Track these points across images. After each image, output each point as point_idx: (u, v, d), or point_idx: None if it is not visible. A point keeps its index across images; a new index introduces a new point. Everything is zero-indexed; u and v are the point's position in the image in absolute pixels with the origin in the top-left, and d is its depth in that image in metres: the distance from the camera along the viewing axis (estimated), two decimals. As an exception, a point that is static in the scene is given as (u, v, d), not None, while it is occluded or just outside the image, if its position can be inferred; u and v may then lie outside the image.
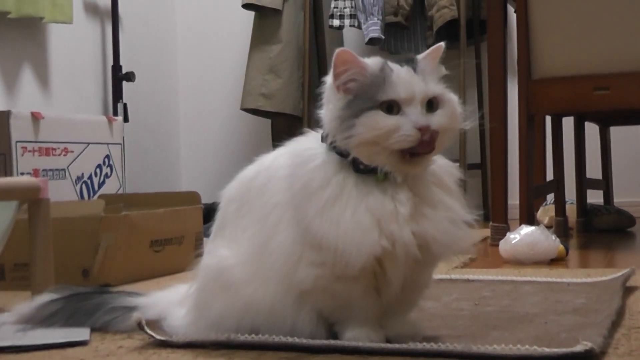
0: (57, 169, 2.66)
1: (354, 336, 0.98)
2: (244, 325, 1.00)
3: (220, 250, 1.03)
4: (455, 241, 0.96)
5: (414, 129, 0.93)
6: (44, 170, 2.59)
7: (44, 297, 1.21)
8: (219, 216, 1.07)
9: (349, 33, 3.80)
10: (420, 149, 0.93)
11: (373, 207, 0.93)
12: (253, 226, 1.01)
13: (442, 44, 0.98)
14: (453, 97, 0.98)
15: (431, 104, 0.95)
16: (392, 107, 0.94)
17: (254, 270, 0.99)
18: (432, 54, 0.98)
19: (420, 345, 0.96)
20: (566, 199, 2.73)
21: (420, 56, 0.98)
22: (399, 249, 0.93)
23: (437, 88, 0.96)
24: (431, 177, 0.98)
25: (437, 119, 0.95)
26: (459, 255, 1.02)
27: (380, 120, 0.93)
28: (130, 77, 3.44)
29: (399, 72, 0.95)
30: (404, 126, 0.93)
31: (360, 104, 0.94)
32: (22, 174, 2.49)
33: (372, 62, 0.97)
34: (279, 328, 0.98)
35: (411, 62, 0.97)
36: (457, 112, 0.97)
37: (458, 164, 3.38)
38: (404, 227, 0.93)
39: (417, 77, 0.95)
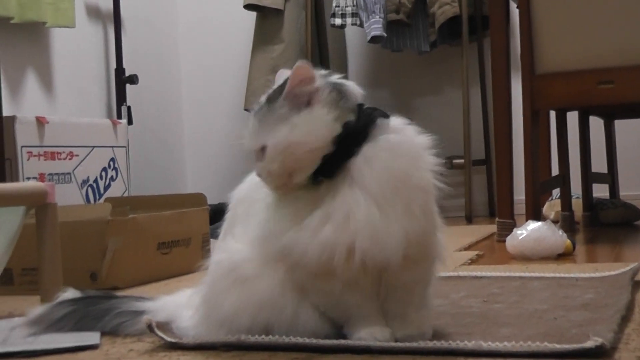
0: (62, 173, 2.67)
1: (360, 337, 0.98)
2: (259, 321, 0.99)
3: (232, 245, 1.03)
4: (380, 245, 0.92)
5: None
6: (49, 174, 2.60)
7: (53, 301, 1.21)
8: (228, 216, 1.08)
9: (351, 32, 3.80)
10: None
11: (287, 213, 0.96)
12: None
13: (299, 63, 0.96)
14: (274, 139, 0.96)
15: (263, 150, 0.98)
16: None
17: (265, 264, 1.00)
18: (291, 81, 0.96)
19: (430, 344, 0.96)
20: (572, 194, 2.73)
21: (282, 86, 0.98)
22: (311, 255, 0.93)
23: (258, 140, 0.98)
24: (379, 185, 0.94)
25: (260, 167, 0.99)
26: (385, 262, 0.94)
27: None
28: (133, 79, 3.45)
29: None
30: None
31: None
32: (28, 178, 2.50)
33: None
34: (288, 323, 0.98)
35: (261, 106, 0.99)
36: (273, 154, 0.96)
37: (463, 161, 3.35)
38: (311, 234, 0.93)
39: (251, 130, 0.99)
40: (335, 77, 1.00)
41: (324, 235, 0.93)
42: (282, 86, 0.98)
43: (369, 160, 0.95)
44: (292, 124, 0.96)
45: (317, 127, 0.96)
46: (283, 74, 1.04)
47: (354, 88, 1.00)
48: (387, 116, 0.99)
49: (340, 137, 0.96)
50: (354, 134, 0.96)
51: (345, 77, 1.02)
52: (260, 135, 0.98)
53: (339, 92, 0.98)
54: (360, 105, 0.99)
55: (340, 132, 0.96)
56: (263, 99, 1.01)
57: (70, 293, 1.23)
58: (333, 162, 0.96)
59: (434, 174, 0.98)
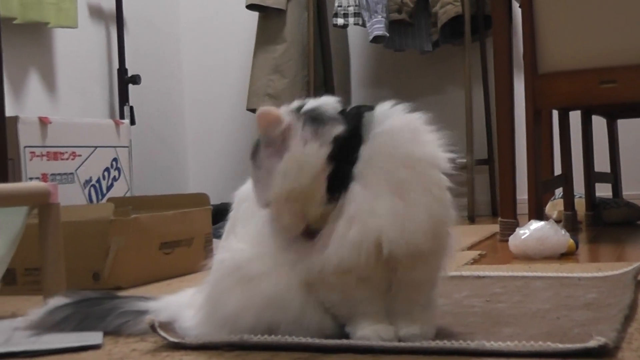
0: (65, 173, 2.67)
1: (364, 335, 0.98)
2: (264, 321, 0.99)
3: (235, 244, 1.03)
4: (405, 234, 0.92)
5: None
6: (52, 174, 2.60)
7: (55, 302, 1.21)
8: (231, 216, 1.08)
9: (353, 31, 3.80)
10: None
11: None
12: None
13: (260, 109, 0.95)
14: (272, 196, 0.96)
15: None
16: None
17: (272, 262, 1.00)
18: (259, 128, 0.96)
19: (433, 343, 0.96)
20: (575, 193, 2.73)
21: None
22: (347, 262, 0.93)
23: (261, 200, 0.98)
24: (391, 175, 0.94)
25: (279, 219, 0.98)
26: (414, 249, 0.92)
27: None
28: (136, 80, 3.45)
29: None
30: None
31: None
32: (31, 179, 2.50)
33: None
34: (293, 322, 0.98)
35: (250, 165, 0.99)
36: (278, 209, 0.96)
37: (465, 160, 3.36)
38: (339, 242, 0.93)
39: (254, 192, 0.99)
40: (309, 102, 0.98)
41: (350, 237, 0.92)
42: (258, 141, 0.98)
43: (370, 162, 0.94)
44: (281, 174, 0.95)
45: (305, 164, 0.94)
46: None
47: (329, 102, 0.99)
48: (371, 109, 0.98)
49: (333, 153, 0.94)
50: (347, 144, 0.95)
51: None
52: (261, 195, 0.98)
53: (314, 119, 0.95)
54: (343, 112, 0.98)
55: (332, 149, 0.94)
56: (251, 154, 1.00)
57: (58, 300, 1.21)
58: (339, 176, 0.95)
59: (438, 146, 0.96)
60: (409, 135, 0.96)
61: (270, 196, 0.95)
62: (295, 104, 0.99)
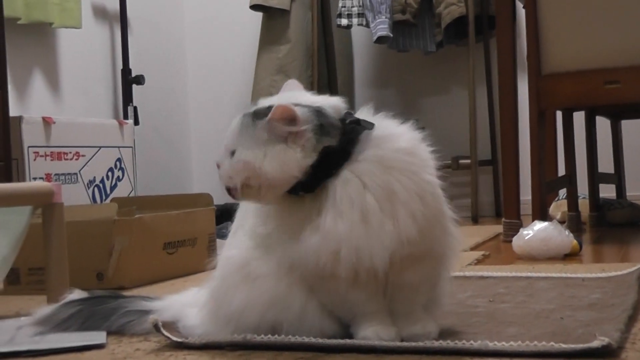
0: (69, 173, 2.68)
1: (365, 335, 0.98)
2: (267, 319, 0.99)
3: (243, 241, 1.03)
4: (360, 255, 0.93)
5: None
6: (56, 174, 2.61)
7: (60, 302, 1.21)
8: (239, 211, 1.08)
9: (357, 32, 3.80)
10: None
11: (287, 223, 0.98)
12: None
13: (281, 105, 0.96)
14: (244, 157, 0.97)
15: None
16: None
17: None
18: (272, 115, 0.96)
19: (436, 343, 0.96)
20: (578, 194, 2.73)
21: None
22: (309, 261, 0.95)
23: (234, 143, 0.99)
24: (360, 202, 0.94)
25: (226, 162, 1.00)
26: (369, 269, 0.94)
27: None
28: (140, 80, 3.46)
29: None
30: None
31: None
32: (35, 178, 2.51)
33: None
34: (296, 322, 0.98)
35: (250, 114, 0.99)
36: (237, 169, 0.98)
37: (469, 161, 3.36)
38: (301, 245, 0.95)
39: (232, 130, 1.00)
40: (318, 101, 0.99)
41: (310, 243, 0.94)
42: (270, 107, 0.97)
43: (346, 184, 0.95)
44: (265, 154, 0.96)
45: (288, 167, 0.96)
46: (290, 84, 1.05)
47: (336, 106, 0.99)
48: (371, 126, 0.98)
49: (317, 163, 0.96)
50: (333, 158, 0.96)
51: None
52: (237, 141, 0.99)
53: (320, 126, 0.96)
54: (343, 120, 0.98)
55: (317, 158, 0.96)
56: (254, 109, 1.00)
57: (77, 294, 1.23)
58: (311, 182, 0.96)
59: (423, 180, 0.96)
60: (394, 167, 0.96)
61: (242, 155, 0.98)
62: (314, 101, 0.99)
